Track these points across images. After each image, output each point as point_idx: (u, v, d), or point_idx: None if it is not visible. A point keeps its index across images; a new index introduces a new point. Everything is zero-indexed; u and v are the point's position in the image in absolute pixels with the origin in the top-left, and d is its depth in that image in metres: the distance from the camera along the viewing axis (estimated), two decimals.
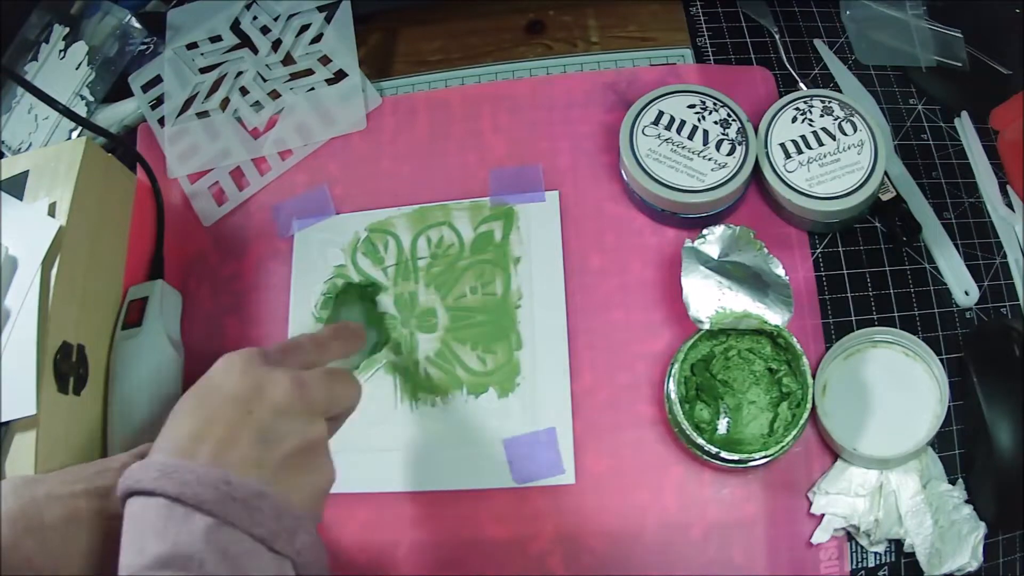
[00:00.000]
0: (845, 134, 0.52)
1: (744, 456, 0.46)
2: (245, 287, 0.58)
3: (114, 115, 0.65)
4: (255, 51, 0.65)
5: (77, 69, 0.66)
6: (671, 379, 0.49)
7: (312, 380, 0.40)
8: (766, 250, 0.50)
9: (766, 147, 0.53)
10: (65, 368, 0.48)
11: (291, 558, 0.36)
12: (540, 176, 0.58)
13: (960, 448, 0.50)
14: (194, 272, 0.59)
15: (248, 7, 0.67)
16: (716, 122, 0.54)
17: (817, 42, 0.61)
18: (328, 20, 0.65)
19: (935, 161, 0.57)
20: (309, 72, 0.63)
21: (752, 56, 0.61)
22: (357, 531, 0.52)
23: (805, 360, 0.48)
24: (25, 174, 0.52)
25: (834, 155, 0.52)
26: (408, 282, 0.56)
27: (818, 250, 0.55)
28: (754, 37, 0.62)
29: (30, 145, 0.65)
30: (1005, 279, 0.53)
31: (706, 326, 0.49)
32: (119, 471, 0.43)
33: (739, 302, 0.49)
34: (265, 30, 0.66)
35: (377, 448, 0.53)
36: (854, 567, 0.48)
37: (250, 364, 0.39)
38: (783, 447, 0.47)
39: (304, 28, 0.65)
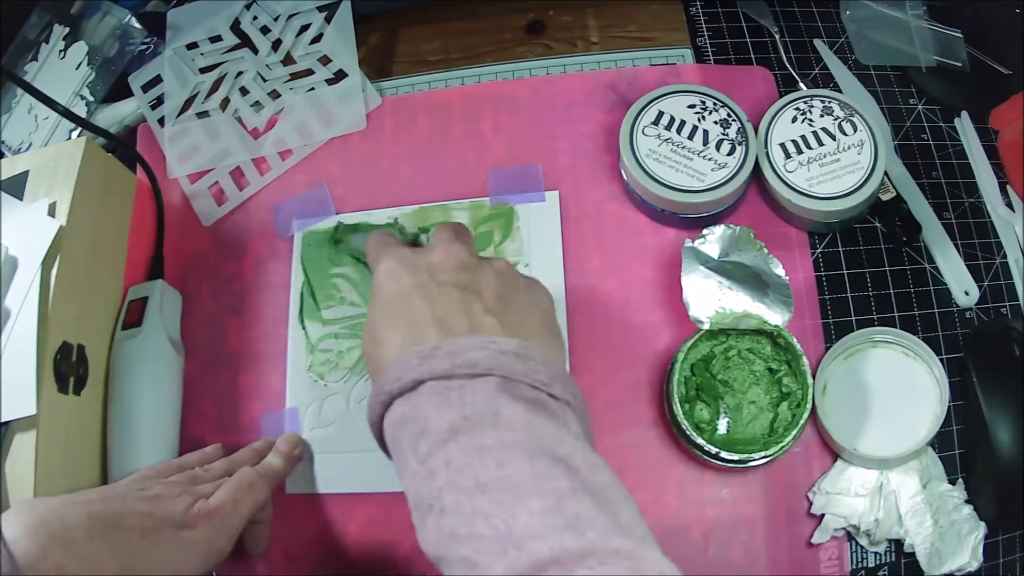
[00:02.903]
0: (845, 134, 0.52)
1: (744, 456, 0.46)
2: (245, 287, 0.58)
3: (114, 115, 0.65)
4: (255, 51, 0.65)
5: (77, 69, 0.66)
6: (671, 379, 0.49)
7: (453, 233, 0.43)
8: (766, 250, 0.50)
9: (766, 147, 0.53)
10: (65, 368, 0.48)
11: (568, 401, 0.36)
12: (540, 176, 0.58)
13: (960, 448, 0.50)
14: (194, 272, 0.59)
15: (248, 7, 0.67)
16: (716, 122, 0.54)
17: (817, 42, 0.61)
18: (328, 20, 0.65)
19: (935, 161, 0.57)
20: (309, 72, 0.63)
21: (752, 56, 0.61)
22: (357, 531, 0.52)
23: (805, 360, 0.48)
24: (25, 174, 0.52)
25: (834, 155, 0.52)
26: None
27: (818, 250, 0.55)
28: (754, 37, 0.62)
29: (30, 145, 0.65)
30: (1005, 279, 0.53)
31: (706, 326, 0.49)
32: (125, 491, 0.44)
33: (739, 302, 0.49)
34: (265, 30, 0.66)
35: (377, 448, 0.53)
36: (854, 567, 0.48)
37: (403, 254, 0.41)
38: (783, 447, 0.47)
39: (304, 28, 0.65)
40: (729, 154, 0.52)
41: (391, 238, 0.46)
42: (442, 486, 0.32)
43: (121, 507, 0.42)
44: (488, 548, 0.30)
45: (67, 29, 0.68)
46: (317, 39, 0.64)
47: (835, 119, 0.53)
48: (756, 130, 0.54)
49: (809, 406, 0.47)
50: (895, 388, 0.49)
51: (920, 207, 0.55)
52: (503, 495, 0.31)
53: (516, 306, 0.40)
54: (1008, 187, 0.55)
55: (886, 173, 0.53)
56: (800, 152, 0.52)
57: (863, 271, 0.54)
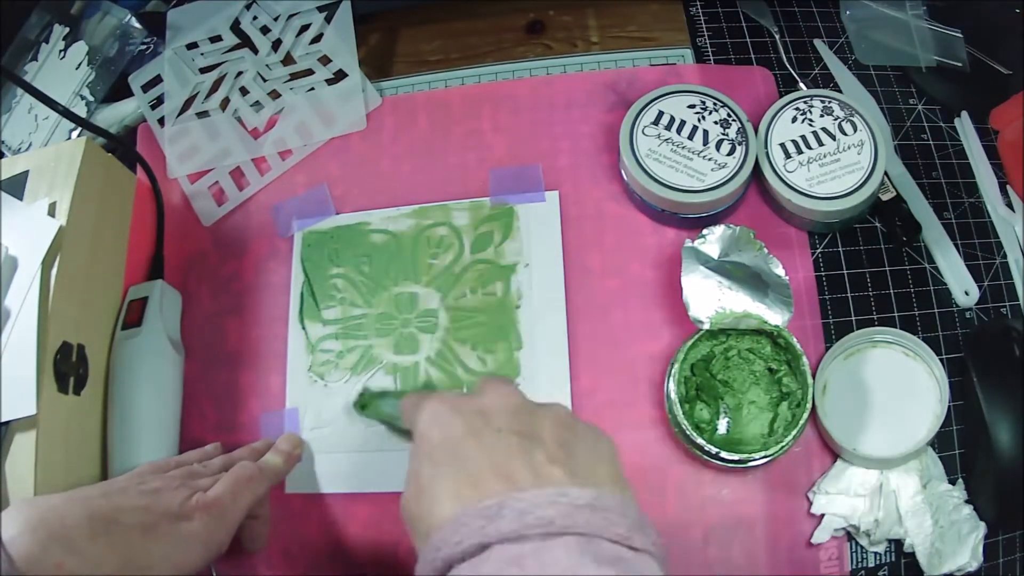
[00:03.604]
0: (845, 134, 0.52)
1: (744, 456, 0.46)
2: (245, 287, 0.58)
3: (114, 115, 0.65)
4: (255, 51, 0.65)
5: (77, 69, 0.66)
6: (671, 379, 0.49)
7: (502, 380, 0.39)
8: (766, 250, 0.50)
9: (766, 147, 0.53)
10: (65, 368, 0.48)
11: (648, 551, 0.32)
12: (540, 176, 0.58)
13: (960, 448, 0.50)
14: (194, 272, 0.59)
15: (248, 7, 0.67)
16: (716, 122, 0.54)
17: (817, 42, 0.61)
18: (328, 20, 0.65)
19: (935, 161, 0.57)
20: (309, 72, 0.63)
21: (752, 56, 0.61)
22: (357, 531, 0.52)
23: (805, 360, 0.48)
24: (25, 174, 0.52)
25: (834, 155, 0.52)
26: (408, 282, 0.56)
27: (818, 250, 0.55)
28: (754, 37, 0.62)
29: (30, 145, 0.65)
30: (1005, 279, 0.53)
31: (706, 326, 0.49)
32: (126, 485, 0.43)
33: (739, 302, 0.49)
34: (265, 30, 0.66)
35: (377, 448, 0.53)
36: (854, 567, 0.48)
37: (448, 397, 0.37)
38: (783, 447, 0.47)
39: (304, 28, 0.65)
40: (729, 154, 0.52)
41: (424, 395, 0.41)
42: None
43: (120, 503, 0.42)
44: None
45: (67, 29, 0.68)
46: (317, 39, 0.64)
47: (835, 119, 0.53)
48: (756, 130, 0.54)
49: (809, 406, 0.47)
50: (895, 388, 0.49)
51: (920, 207, 0.55)
52: None
53: (580, 453, 0.35)
54: (1008, 187, 0.55)
55: (886, 173, 0.53)
56: (800, 152, 0.52)
57: (863, 271, 0.54)
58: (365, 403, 0.53)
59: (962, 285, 0.53)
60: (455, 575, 0.31)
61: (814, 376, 0.49)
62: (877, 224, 0.55)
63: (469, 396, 0.38)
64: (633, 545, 0.31)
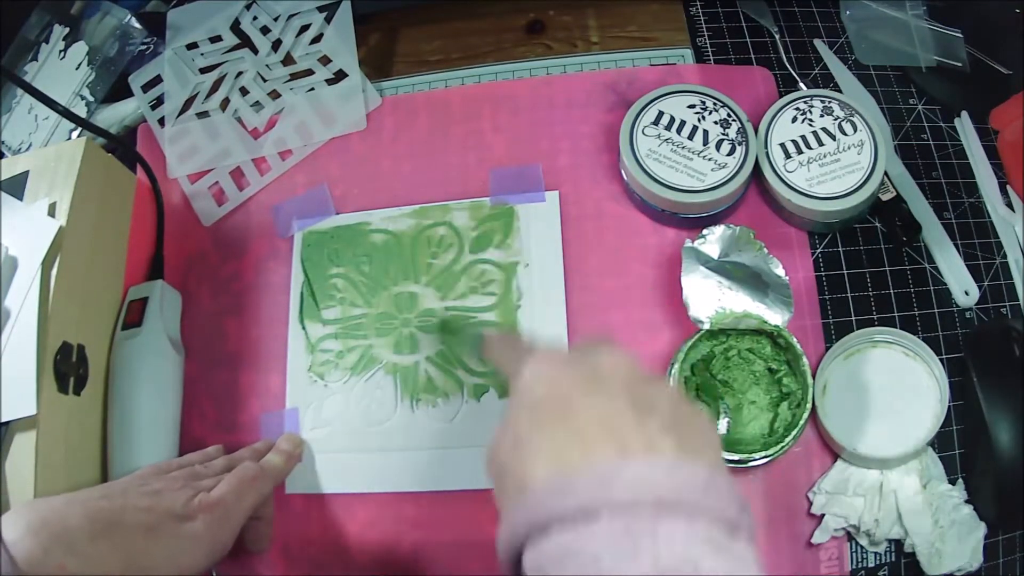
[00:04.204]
0: (845, 134, 0.52)
1: (744, 456, 0.46)
2: (245, 287, 0.58)
3: (114, 115, 0.65)
4: (255, 51, 0.65)
5: (77, 69, 0.66)
6: (671, 379, 0.49)
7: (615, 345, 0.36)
8: (766, 250, 0.50)
9: (766, 147, 0.53)
10: (65, 368, 0.48)
11: (751, 535, 0.30)
12: (540, 176, 0.58)
13: (960, 448, 0.50)
14: (194, 272, 0.59)
15: (248, 7, 0.67)
16: (716, 122, 0.54)
17: (817, 42, 0.61)
18: (328, 20, 0.65)
19: (935, 161, 0.57)
20: (309, 72, 0.63)
21: (752, 56, 0.61)
22: (357, 531, 0.52)
23: (805, 360, 0.48)
24: (25, 174, 0.52)
25: (834, 155, 0.52)
26: (408, 282, 0.56)
27: (818, 250, 0.55)
28: (754, 37, 0.62)
29: (30, 145, 0.65)
30: (1005, 279, 0.53)
31: (706, 326, 0.49)
32: (127, 487, 0.44)
33: (739, 302, 0.49)
34: (265, 30, 0.66)
35: (377, 448, 0.53)
36: (854, 567, 0.48)
37: (557, 355, 0.35)
38: (783, 447, 0.47)
39: (304, 28, 0.65)
40: (729, 154, 0.52)
41: (519, 340, 0.40)
42: None
43: (123, 504, 0.42)
44: None
45: (67, 29, 0.68)
46: (317, 39, 0.64)
47: (835, 119, 0.53)
48: (756, 130, 0.54)
49: (809, 406, 0.47)
50: (895, 388, 0.49)
51: (920, 207, 0.55)
52: None
53: (693, 430, 0.33)
54: (1008, 187, 0.55)
55: (886, 173, 0.53)
56: (800, 152, 0.52)
57: (863, 271, 0.54)
58: (445, 329, 0.52)
59: (962, 285, 0.53)
60: (552, 538, 0.29)
61: (814, 376, 0.49)
62: (877, 224, 0.55)
63: (581, 357, 0.35)
64: (739, 529, 0.30)
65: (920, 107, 0.59)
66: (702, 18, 0.63)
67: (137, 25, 0.66)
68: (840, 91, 0.58)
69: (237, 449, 0.52)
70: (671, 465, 0.29)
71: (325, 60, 0.63)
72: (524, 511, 0.30)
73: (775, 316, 0.48)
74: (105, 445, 0.51)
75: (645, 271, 0.55)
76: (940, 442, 0.49)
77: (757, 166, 0.53)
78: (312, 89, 0.63)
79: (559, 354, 0.36)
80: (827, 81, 0.60)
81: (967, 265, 0.53)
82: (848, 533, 0.48)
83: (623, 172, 0.55)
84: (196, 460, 0.50)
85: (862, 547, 0.48)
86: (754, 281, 0.49)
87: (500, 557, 0.32)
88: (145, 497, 0.43)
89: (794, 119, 0.53)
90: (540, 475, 0.30)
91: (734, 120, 0.53)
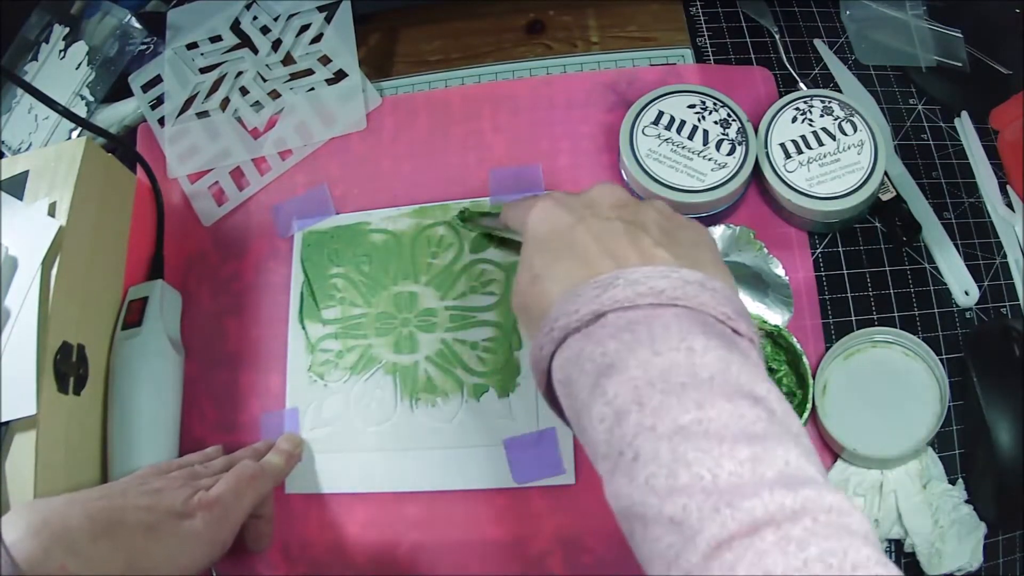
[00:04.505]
0: (845, 134, 0.52)
1: None
2: (245, 287, 0.58)
3: (114, 115, 0.65)
4: (255, 51, 0.65)
5: (77, 69, 0.66)
6: None
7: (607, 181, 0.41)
8: (766, 250, 0.50)
9: (766, 147, 0.53)
10: (65, 368, 0.48)
11: (751, 339, 0.33)
12: (540, 176, 0.58)
13: (960, 448, 0.50)
14: (194, 272, 0.59)
15: (248, 7, 0.67)
16: (716, 122, 0.54)
17: (817, 42, 0.61)
18: (328, 20, 0.65)
19: (935, 161, 0.57)
20: (309, 72, 0.63)
21: (752, 56, 0.61)
22: (357, 531, 0.52)
23: (805, 360, 0.48)
24: (25, 174, 0.52)
25: (834, 155, 0.52)
26: (408, 282, 0.56)
27: (818, 250, 0.55)
28: (754, 37, 0.62)
29: (30, 145, 0.65)
30: (1005, 279, 0.53)
31: None
32: (127, 487, 0.44)
33: None
34: (265, 30, 0.66)
35: (377, 448, 0.53)
36: None
37: (556, 196, 0.39)
38: None
39: (304, 28, 0.65)
40: (729, 154, 0.52)
41: (525, 199, 0.43)
42: (635, 430, 0.29)
43: (123, 503, 0.42)
44: (696, 505, 0.26)
45: (67, 29, 0.68)
46: (317, 39, 0.64)
47: (835, 119, 0.53)
48: (756, 130, 0.54)
49: (809, 406, 0.47)
50: (895, 388, 0.49)
51: (920, 207, 0.55)
52: (706, 441, 0.28)
53: (684, 241, 0.36)
54: (1008, 187, 0.55)
55: (886, 173, 0.53)
56: (800, 152, 0.52)
57: (863, 271, 0.54)
58: (466, 218, 0.55)
59: (962, 285, 0.53)
60: (568, 346, 0.32)
61: (814, 376, 0.49)
62: (877, 224, 0.55)
63: (576, 194, 0.39)
64: (738, 329, 0.32)
65: (920, 107, 0.59)
66: (702, 18, 0.63)
67: (137, 25, 0.66)
68: (840, 91, 0.58)
69: (237, 449, 0.52)
70: (666, 269, 0.33)
71: (325, 60, 0.63)
72: (546, 327, 0.33)
73: (775, 316, 0.48)
74: (105, 445, 0.51)
75: None
76: (940, 442, 0.49)
77: (757, 166, 0.53)
78: (312, 89, 0.63)
79: (558, 194, 0.39)
80: (827, 81, 0.60)
81: (967, 265, 0.53)
82: None
83: (623, 172, 0.55)
84: (196, 460, 0.50)
85: None
86: (754, 281, 0.49)
87: (535, 379, 0.35)
88: (145, 496, 0.43)
89: (794, 119, 0.53)
90: (555, 296, 0.34)
91: (734, 120, 0.53)
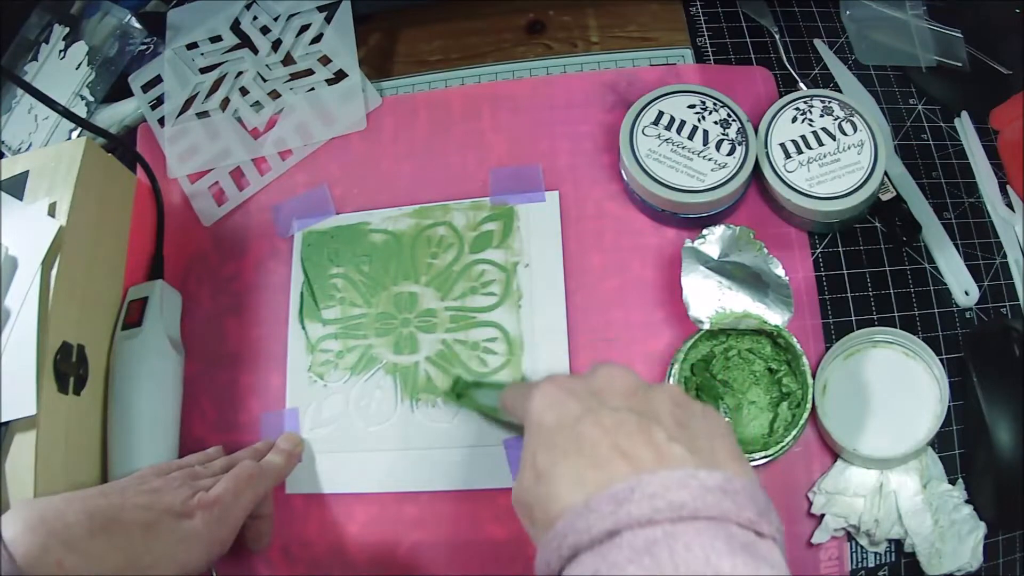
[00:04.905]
0: (845, 134, 0.52)
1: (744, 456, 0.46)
2: (245, 287, 0.58)
3: (114, 115, 0.65)
4: (255, 51, 0.65)
5: (77, 69, 0.66)
6: (671, 379, 0.49)
7: (612, 363, 0.38)
8: (766, 250, 0.50)
9: (766, 147, 0.53)
10: (65, 368, 0.48)
11: (774, 538, 0.30)
12: (540, 176, 0.58)
13: (960, 448, 0.50)
14: (194, 272, 0.59)
15: (248, 7, 0.67)
16: (716, 122, 0.54)
17: (817, 42, 0.61)
18: (328, 20, 0.65)
19: (935, 161, 0.57)
20: (309, 72, 0.63)
21: (752, 56, 0.61)
22: (357, 531, 0.52)
23: (805, 360, 0.48)
24: (25, 174, 0.52)
25: (834, 155, 0.52)
26: (408, 282, 0.56)
27: (818, 250, 0.55)
28: (754, 37, 0.62)
29: (30, 145, 0.65)
30: (1005, 279, 0.53)
31: (706, 326, 0.49)
32: (126, 485, 0.43)
33: (739, 302, 0.49)
34: (265, 30, 0.66)
35: (377, 448, 0.53)
36: (854, 567, 0.48)
37: (561, 380, 0.36)
38: (783, 447, 0.47)
39: (304, 28, 0.65)
40: (729, 154, 0.52)
41: (526, 383, 0.41)
42: None
43: (121, 502, 0.42)
44: None
45: (67, 29, 0.68)
46: (317, 39, 0.64)
47: (835, 119, 0.53)
48: (756, 130, 0.54)
49: (809, 406, 0.47)
50: (895, 388, 0.49)
51: (920, 207, 0.55)
52: None
53: (700, 433, 0.34)
54: (1008, 187, 0.55)
55: (886, 173, 0.53)
56: (800, 152, 0.52)
57: (863, 271, 0.54)
58: (460, 392, 0.52)
59: (962, 285, 0.53)
60: (581, 564, 0.30)
61: (814, 376, 0.49)
62: (877, 224, 0.55)
63: (581, 378, 0.37)
64: (760, 531, 0.30)
65: (920, 107, 0.59)
66: (702, 18, 0.63)
67: (137, 25, 0.66)
68: (840, 91, 0.58)
69: (237, 449, 0.52)
70: (684, 474, 0.30)
71: (325, 60, 0.63)
72: (554, 542, 0.30)
73: (775, 316, 0.48)
74: (105, 445, 0.51)
75: (645, 271, 0.55)
76: (940, 442, 0.49)
77: (757, 166, 0.53)
78: (312, 89, 0.63)
79: (561, 379, 0.36)
80: (827, 81, 0.60)
81: (967, 265, 0.53)
82: (848, 533, 0.48)
83: (623, 172, 0.55)
84: (196, 461, 0.50)
85: (862, 547, 0.48)
86: (754, 281, 0.49)
87: None
88: (144, 495, 0.43)
89: (794, 119, 0.53)
90: (563, 504, 0.31)
91: (734, 120, 0.53)
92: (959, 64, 0.57)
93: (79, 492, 0.43)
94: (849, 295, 0.53)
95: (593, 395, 0.35)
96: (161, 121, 0.64)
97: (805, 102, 0.54)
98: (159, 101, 0.64)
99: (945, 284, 0.53)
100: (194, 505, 0.43)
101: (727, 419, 0.35)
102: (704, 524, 0.29)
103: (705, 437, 0.33)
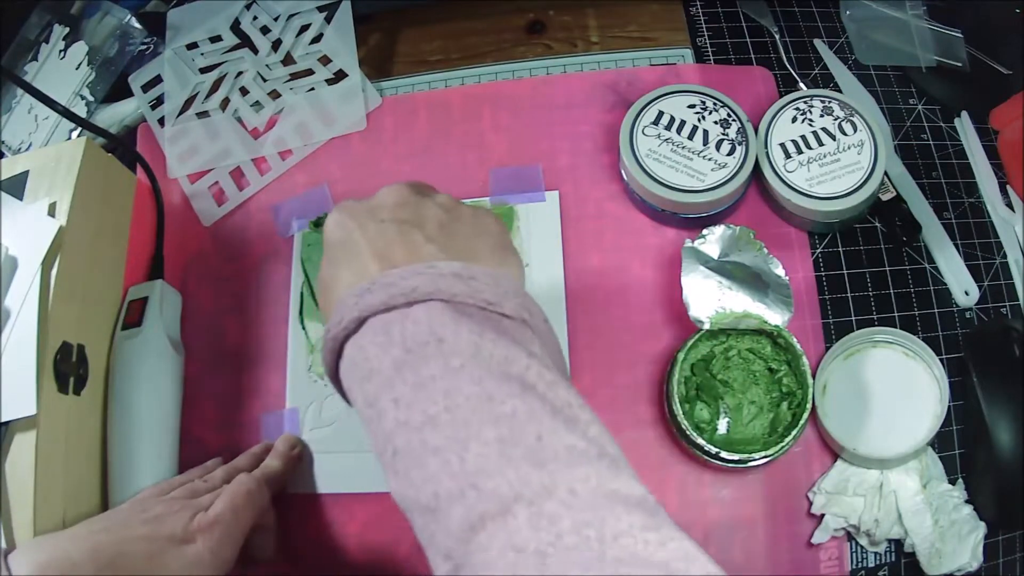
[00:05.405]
0: (845, 134, 0.52)
1: (744, 456, 0.46)
2: (245, 287, 0.58)
3: (114, 115, 0.65)
4: (255, 51, 0.65)
5: (77, 69, 0.66)
6: (671, 379, 0.49)
7: (402, 181, 0.41)
8: (766, 250, 0.50)
9: (766, 147, 0.53)
10: (65, 368, 0.48)
11: (524, 319, 0.33)
12: (540, 176, 0.58)
13: (960, 448, 0.50)
14: (194, 272, 0.59)
15: (248, 7, 0.67)
16: (716, 122, 0.54)
17: (817, 42, 0.61)
18: (328, 20, 0.65)
19: (935, 161, 0.57)
20: (309, 72, 0.63)
21: (752, 56, 0.61)
22: (357, 531, 0.52)
23: (805, 360, 0.48)
24: (25, 174, 0.52)
25: (834, 155, 0.52)
26: None
27: (818, 250, 0.55)
28: (754, 37, 0.62)
29: (30, 145, 0.65)
30: (1005, 279, 0.53)
31: (706, 326, 0.49)
32: (128, 516, 0.44)
33: (739, 302, 0.49)
34: (265, 30, 0.66)
35: None
36: (854, 567, 0.48)
37: (347, 204, 0.39)
38: (783, 447, 0.47)
39: (304, 28, 0.65)
40: (729, 154, 0.52)
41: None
42: (392, 428, 0.30)
43: (124, 535, 0.42)
44: (445, 491, 0.28)
45: (67, 29, 0.68)
46: (317, 39, 0.64)
47: (835, 119, 0.53)
48: (756, 130, 0.54)
49: (809, 406, 0.47)
50: (895, 388, 0.49)
51: (920, 207, 0.55)
52: (453, 428, 0.29)
53: (460, 233, 0.37)
54: (1008, 187, 0.55)
55: (886, 173, 0.53)
56: (800, 152, 0.52)
57: (863, 271, 0.54)
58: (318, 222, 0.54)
59: (962, 285, 0.53)
60: (344, 354, 0.34)
61: (814, 376, 0.49)
62: (877, 224, 0.55)
63: (364, 200, 0.39)
64: (504, 311, 0.33)
65: (920, 107, 0.59)
66: (702, 18, 0.63)
67: (137, 25, 0.66)
68: (840, 91, 0.58)
69: (237, 450, 0.52)
70: (424, 265, 0.33)
71: (325, 60, 0.63)
72: (325, 338, 0.34)
73: (775, 316, 0.48)
74: (105, 445, 0.51)
75: (645, 271, 0.55)
76: (940, 442, 0.49)
77: (757, 166, 0.53)
78: (312, 89, 0.63)
79: (347, 203, 0.39)
80: (827, 81, 0.60)
81: (967, 265, 0.53)
82: (848, 533, 0.48)
83: (623, 172, 0.55)
84: (196, 475, 0.50)
85: (862, 547, 0.48)
86: (754, 281, 0.49)
87: (330, 381, 0.36)
88: (145, 525, 0.43)
89: (794, 119, 0.53)
90: (331, 304, 0.35)
91: (734, 120, 0.53)
92: (959, 64, 0.57)
93: (82, 527, 0.43)
94: (849, 295, 0.53)
95: (367, 211, 0.38)
96: (161, 121, 0.64)
97: (805, 102, 0.54)
98: (159, 101, 0.64)
99: (945, 284, 0.53)
100: (195, 529, 0.43)
101: (499, 219, 0.40)
102: (435, 304, 0.32)
103: (466, 237, 0.37)
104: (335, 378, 0.35)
